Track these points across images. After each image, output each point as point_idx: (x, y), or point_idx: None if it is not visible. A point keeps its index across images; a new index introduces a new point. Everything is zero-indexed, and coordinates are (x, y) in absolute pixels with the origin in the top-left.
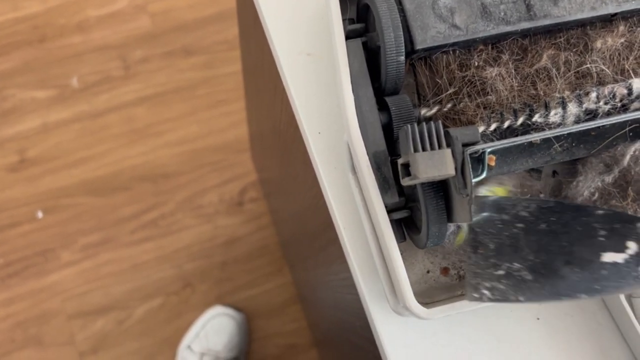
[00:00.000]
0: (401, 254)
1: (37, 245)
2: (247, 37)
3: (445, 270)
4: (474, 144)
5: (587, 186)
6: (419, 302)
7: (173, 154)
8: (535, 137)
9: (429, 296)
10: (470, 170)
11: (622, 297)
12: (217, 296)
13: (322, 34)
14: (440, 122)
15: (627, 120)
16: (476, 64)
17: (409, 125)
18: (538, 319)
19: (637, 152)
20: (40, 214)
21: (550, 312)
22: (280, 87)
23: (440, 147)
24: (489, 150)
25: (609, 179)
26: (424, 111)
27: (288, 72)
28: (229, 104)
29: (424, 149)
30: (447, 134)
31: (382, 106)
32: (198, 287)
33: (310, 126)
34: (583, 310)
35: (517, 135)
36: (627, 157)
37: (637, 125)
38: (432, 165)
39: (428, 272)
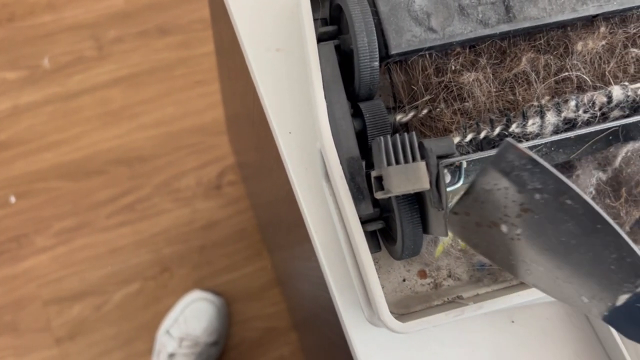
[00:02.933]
0: (377, 262)
1: (10, 231)
2: (218, 20)
3: (422, 274)
4: (449, 156)
5: (588, 182)
6: (394, 312)
7: (149, 136)
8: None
9: (404, 306)
10: (445, 183)
11: None
12: (196, 280)
13: (292, 29)
14: (414, 133)
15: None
16: (453, 68)
17: (381, 138)
18: (513, 322)
19: (629, 154)
20: (13, 199)
21: (525, 315)
22: (250, 81)
23: (414, 159)
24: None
25: (604, 176)
26: (399, 117)
27: (257, 68)
28: (206, 85)
29: (397, 162)
30: (421, 145)
31: (357, 111)
32: (176, 271)
33: (280, 125)
34: (558, 312)
35: (494, 145)
36: (619, 159)
37: (620, 128)
38: (406, 179)
39: (404, 280)
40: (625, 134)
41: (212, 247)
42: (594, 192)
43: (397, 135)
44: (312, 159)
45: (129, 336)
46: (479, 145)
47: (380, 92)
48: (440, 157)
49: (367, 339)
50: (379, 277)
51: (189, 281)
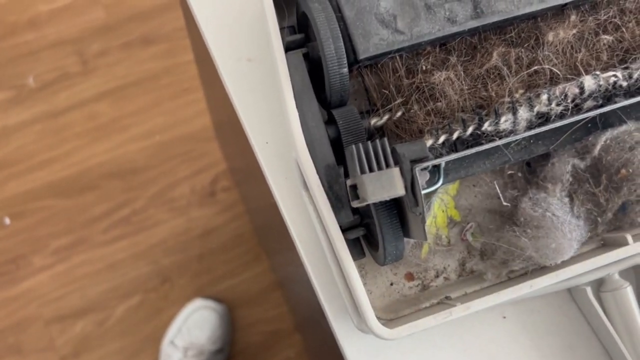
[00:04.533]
0: (363, 268)
1: (7, 253)
2: (191, 30)
3: (409, 276)
4: (422, 159)
5: (564, 169)
6: (382, 318)
7: (140, 148)
8: (482, 148)
9: (393, 310)
10: (421, 188)
11: (589, 290)
12: (197, 289)
13: (262, 38)
14: (385, 139)
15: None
16: (424, 68)
17: (353, 146)
18: (504, 317)
19: (607, 141)
20: (7, 221)
21: (516, 310)
22: (225, 91)
23: (387, 166)
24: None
25: (581, 164)
26: (374, 121)
27: (229, 79)
28: (194, 92)
29: (371, 170)
30: (394, 151)
31: (330, 119)
32: (176, 281)
33: (256, 136)
34: (550, 305)
35: (468, 145)
36: (598, 147)
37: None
38: (381, 186)
39: (392, 284)
40: (603, 122)
41: (211, 254)
42: (570, 178)
43: (369, 142)
44: (291, 168)
45: (133, 349)
46: (453, 145)
47: (355, 96)
48: (413, 162)
49: (359, 346)
50: (365, 283)
51: (189, 290)
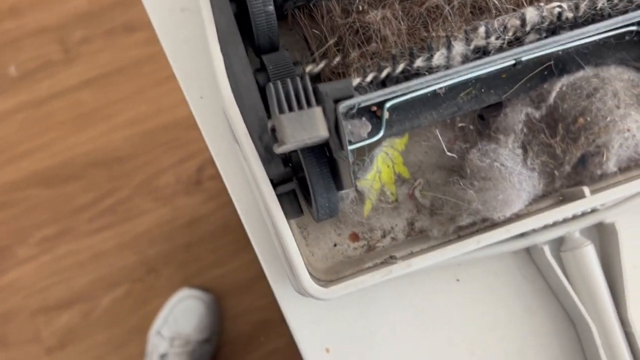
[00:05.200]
0: (305, 228)
1: None
2: None
3: (354, 236)
4: (347, 98)
5: (516, 119)
6: (323, 280)
7: (124, 136)
8: (412, 83)
9: (335, 272)
10: (344, 129)
11: (547, 249)
12: (184, 279)
13: None
14: (307, 77)
15: (542, 58)
16: (360, 8)
17: (271, 84)
18: (458, 280)
19: (563, 88)
20: None
21: (470, 272)
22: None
23: (309, 105)
24: (369, 103)
25: (536, 113)
26: (309, 67)
27: (161, 30)
28: (176, 80)
29: (290, 109)
30: (316, 90)
31: (262, 66)
32: (163, 271)
33: (190, 90)
34: (507, 267)
35: (399, 83)
36: (553, 94)
37: (554, 63)
38: (301, 127)
39: (335, 245)
40: (561, 68)
41: (197, 243)
42: (524, 129)
43: (289, 79)
44: (227, 124)
45: (120, 340)
46: (382, 84)
47: (297, 48)
48: (337, 101)
49: (302, 310)
50: (308, 244)
51: (176, 280)
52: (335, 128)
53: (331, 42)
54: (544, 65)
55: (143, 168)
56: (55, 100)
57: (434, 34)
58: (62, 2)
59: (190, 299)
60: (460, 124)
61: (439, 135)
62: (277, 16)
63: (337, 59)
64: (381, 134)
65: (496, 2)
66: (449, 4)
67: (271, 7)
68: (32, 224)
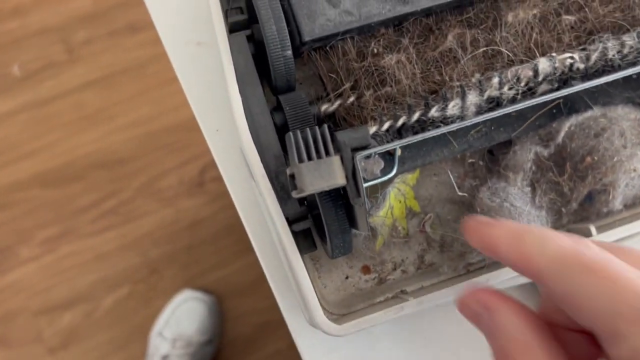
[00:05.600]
0: (318, 261)
1: None
2: None
3: (365, 269)
4: (364, 147)
5: (525, 157)
6: (335, 313)
7: (127, 138)
8: (427, 135)
9: (347, 305)
10: (362, 177)
11: None
12: (186, 280)
13: (210, 20)
14: (325, 126)
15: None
16: (375, 51)
17: (291, 133)
18: None
19: (572, 128)
20: None
21: None
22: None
23: (327, 154)
24: (395, 148)
25: (545, 152)
26: (324, 107)
27: (177, 63)
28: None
29: (309, 158)
30: (334, 138)
31: (279, 105)
32: (165, 272)
33: (206, 123)
34: (519, 297)
35: (415, 132)
36: (562, 134)
37: (563, 102)
38: (319, 176)
39: (347, 277)
40: (569, 107)
41: (200, 245)
42: (533, 167)
43: (309, 129)
44: (242, 158)
45: (122, 341)
46: (398, 133)
47: (311, 82)
48: (355, 150)
49: (313, 341)
50: (320, 276)
51: (178, 281)
52: (353, 176)
53: (347, 85)
54: (553, 104)
55: (145, 169)
56: (58, 101)
57: (447, 78)
58: (65, 2)
59: (193, 301)
60: (470, 160)
61: (450, 173)
62: (294, 56)
63: (352, 99)
64: (394, 172)
65: (508, 48)
66: (462, 49)
67: (289, 52)
68: (35, 224)
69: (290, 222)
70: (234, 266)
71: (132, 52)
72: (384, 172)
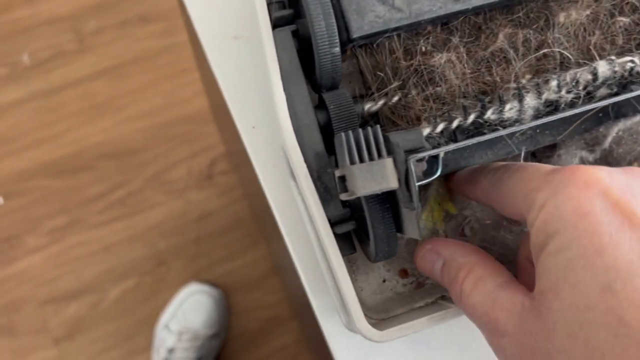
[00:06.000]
0: (354, 263)
1: (0, 233)
2: (182, 6)
3: (403, 273)
4: (418, 150)
5: (570, 161)
6: (373, 318)
7: (137, 128)
8: (484, 138)
9: (385, 310)
10: (415, 181)
11: None
12: (193, 273)
13: (250, 14)
14: (378, 127)
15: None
16: (423, 49)
17: (342, 134)
18: None
19: (620, 133)
20: (0, 200)
21: None
22: (211, 71)
23: (380, 156)
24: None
25: (590, 157)
26: (368, 106)
27: (214, 58)
28: (191, 73)
29: (361, 160)
30: (387, 140)
31: (321, 103)
32: (173, 264)
33: (243, 120)
34: None
35: (468, 134)
36: (609, 139)
37: (610, 105)
38: (372, 178)
39: (384, 281)
40: (616, 111)
41: (208, 238)
42: None
43: (361, 130)
44: (280, 156)
45: (128, 332)
46: (452, 134)
47: (350, 79)
48: (408, 152)
49: (348, 345)
50: (356, 279)
51: (186, 274)
52: (406, 180)
53: (396, 84)
54: (600, 108)
55: (155, 161)
56: (68, 90)
57: (497, 79)
58: None
59: (200, 294)
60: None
61: None
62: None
63: (396, 98)
64: (438, 173)
65: (561, 49)
66: (513, 49)
67: (337, 49)
68: (42, 214)
69: (332, 223)
70: (242, 260)
71: (143, 43)
72: (427, 174)
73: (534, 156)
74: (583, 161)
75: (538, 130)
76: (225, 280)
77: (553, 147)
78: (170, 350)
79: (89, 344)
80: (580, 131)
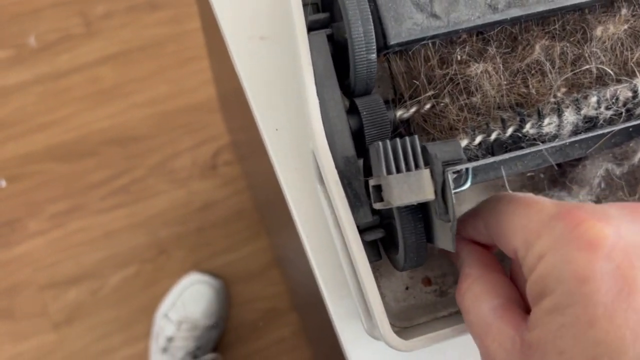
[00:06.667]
0: (377, 270)
1: (2, 216)
2: (200, 1)
3: (426, 281)
4: (456, 162)
5: (595, 173)
6: (396, 325)
7: (142, 116)
8: (525, 152)
9: (407, 318)
10: (452, 193)
11: None
12: (194, 263)
13: (277, 15)
14: (416, 137)
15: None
16: (459, 58)
17: (380, 143)
18: None
19: None
20: (3, 183)
21: None
22: (234, 70)
23: (417, 167)
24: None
25: (617, 170)
26: (399, 112)
27: (239, 58)
28: (199, 62)
29: (398, 170)
30: (424, 150)
31: (352, 108)
32: (174, 253)
33: (266, 122)
34: None
35: (506, 148)
36: (639, 155)
37: None
38: (408, 189)
39: (407, 288)
40: None
41: (210, 228)
42: (602, 184)
43: (398, 139)
44: (303, 159)
45: (127, 320)
46: (490, 148)
47: (378, 84)
48: (446, 164)
49: (365, 350)
50: (380, 285)
51: (186, 263)
52: (442, 191)
53: (431, 92)
54: (632, 123)
55: (159, 149)
56: (74, 74)
57: (533, 91)
58: None
59: (200, 284)
60: (529, 174)
61: (507, 184)
62: None
63: (428, 106)
64: (468, 184)
65: (598, 63)
66: (550, 62)
67: (374, 55)
68: (45, 198)
69: (360, 230)
70: (243, 251)
71: (151, 30)
72: (456, 185)
73: (559, 166)
74: (609, 173)
75: (567, 143)
76: (225, 270)
77: (580, 159)
78: (170, 339)
79: (88, 330)
80: (610, 145)
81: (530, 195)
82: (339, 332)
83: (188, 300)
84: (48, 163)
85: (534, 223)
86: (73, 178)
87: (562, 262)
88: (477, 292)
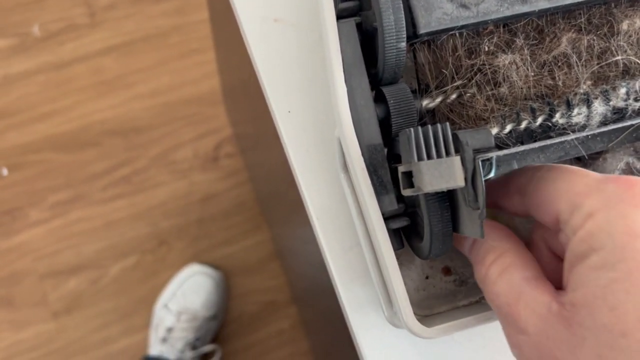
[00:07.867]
0: (398, 258)
1: (3, 204)
2: None
3: (446, 270)
4: (486, 149)
5: (615, 166)
6: (417, 314)
7: (144, 107)
8: (555, 141)
9: (428, 307)
10: (483, 180)
11: None
12: (194, 254)
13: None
14: (447, 124)
15: None
16: (486, 49)
17: (411, 129)
18: None
19: None
20: (5, 171)
21: None
22: (246, 54)
23: (448, 154)
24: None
25: (638, 164)
26: (425, 102)
27: (252, 40)
28: (203, 53)
29: (429, 157)
30: (455, 138)
31: (378, 96)
32: (174, 245)
33: (278, 104)
34: None
35: (535, 137)
36: None
37: None
38: (439, 175)
39: (427, 277)
40: None
41: (211, 220)
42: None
43: (429, 126)
44: (315, 141)
45: (126, 310)
46: (519, 137)
47: (401, 74)
48: (476, 151)
49: (375, 339)
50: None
51: (187, 255)
52: (472, 179)
53: (459, 82)
54: None
55: (161, 140)
56: (77, 64)
57: (559, 84)
58: None
59: (200, 275)
60: None
61: None
62: None
63: (453, 96)
64: (491, 174)
65: (625, 57)
66: (577, 55)
67: (404, 44)
68: (46, 187)
69: (385, 218)
70: (243, 243)
71: (155, 21)
72: (485, 173)
73: (580, 160)
74: (629, 167)
75: (590, 137)
76: (225, 262)
77: (600, 152)
78: (169, 330)
79: (87, 320)
80: (632, 139)
81: (566, 165)
82: (350, 319)
83: (188, 291)
84: (50, 152)
85: (581, 186)
86: (74, 168)
87: (615, 217)
88: (508, 263)
